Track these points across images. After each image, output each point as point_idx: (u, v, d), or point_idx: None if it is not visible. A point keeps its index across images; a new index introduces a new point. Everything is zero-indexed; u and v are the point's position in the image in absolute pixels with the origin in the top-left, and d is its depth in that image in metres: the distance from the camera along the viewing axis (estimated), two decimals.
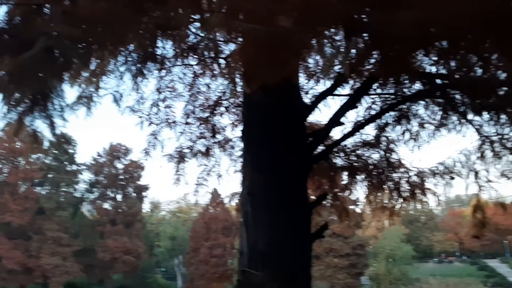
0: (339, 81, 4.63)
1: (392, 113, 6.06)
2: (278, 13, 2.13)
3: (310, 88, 6.39)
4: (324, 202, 7.21)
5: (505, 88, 3.89)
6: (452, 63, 3.88)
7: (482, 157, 5.76)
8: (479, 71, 4.12)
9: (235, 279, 5.05)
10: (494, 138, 5.52)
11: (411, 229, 70.03)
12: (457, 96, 5.05)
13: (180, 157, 7.60)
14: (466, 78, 3.84)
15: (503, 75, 3.89)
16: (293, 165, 4.50)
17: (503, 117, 4.73)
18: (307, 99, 6.07)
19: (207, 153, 7.53)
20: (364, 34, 2.53)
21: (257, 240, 4.42)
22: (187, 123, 7.49)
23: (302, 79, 5.97)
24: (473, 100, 4.69)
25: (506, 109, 4.30)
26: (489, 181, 5.92)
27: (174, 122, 7.51)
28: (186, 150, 7.58)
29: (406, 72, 4.21)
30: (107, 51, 3.47)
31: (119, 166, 55.18)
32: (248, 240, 4.50)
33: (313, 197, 5.85)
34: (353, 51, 2.60)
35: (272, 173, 4.41)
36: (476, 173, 5.94)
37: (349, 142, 6.61)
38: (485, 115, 5.10)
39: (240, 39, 2.71)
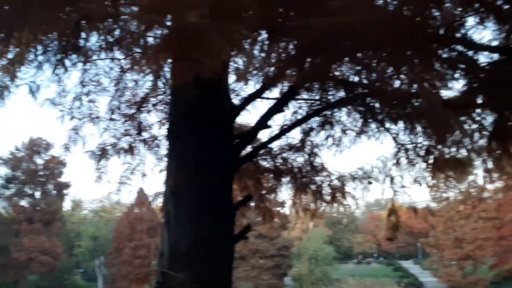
0: (267, 84, 4.69)
1: (317, 118, 6.24)
2: (197, 10, 2.10)
3: (240, 89, 6.45)
4: (250, 204, 7.30)
5: (420, 100, 4.13)
6: (373, 73, 4.07)
7: (397, 163, 6.10)
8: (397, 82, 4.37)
9: (154, 280, 4.95)
10: (409, 146, 5.87)
11: (334, 231, 72.61)
12: (377, 105, 5.31)
13: (103, 154, 7.33)
14: (384, 88, 4.05)
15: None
16: (219, 166, 4.49)
17: (417, 127, 5.04)
18: (237, 101, 6.10)
19: (131, 151, 7.32)
20: (287, 39, 2.58)
21: (178, 241, 4.35)
22: (111, 119, 7.24)
23: (233, 80, 6.00)
24: (390, 109, 4.96)
25: (419, 120, 4.58)
26: (403, 186, 6.31)
27: (97, 117, 7.24)
28: (109, 147, 7.33)
29: (327, 80, 4.36)
30: (24, 39, 3.27)
31: (39, 161, 52.25)
32: (170, 241, 4.42)
33: (240, 198, 5.88)
34: (279, 55, 2.66)
35: (196, 173, 4.37)
36: (392, 178, 6.30)
37: (276, 145, 6.74)
38: (401, 124, 5.42)
39: (161, 34, 2.66)
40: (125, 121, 7.30)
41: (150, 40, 2.76)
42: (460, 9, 3.62)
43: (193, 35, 2.16)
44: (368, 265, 71.37)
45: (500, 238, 44.85)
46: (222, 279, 4.42)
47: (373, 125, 6.03)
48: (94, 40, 5.03)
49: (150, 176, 7.69)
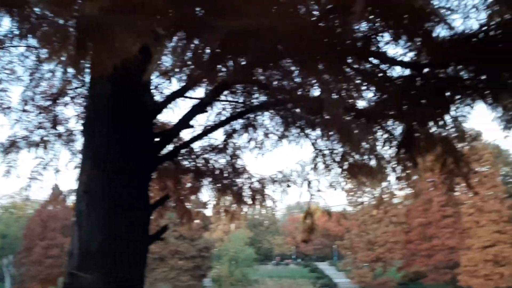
0: (189, 83, 4.66)
1: (240, 120, 6.30)
2: (100, 2, 2.03)
3: (164, 87, 6.33)
4: (169, 204, 7.19)
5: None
6: (292, 80, 4.20)
7: (315, 168, 6.32)
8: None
9: (61, 281, 4.71)
10: (326, 152, 6.10)
11: (255, 233, 73.55)
12: (297, 111, 5.47)
13: (13, 147, 6.86)
14: (304, 95, 4.19)
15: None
16: (136, 164, 4.38)
17: (332, 134, 5.26)
18: (161, 98, 5.98)
19: (44, 145, 6.91)
20: (203, 40, 2.58)
21: (90, 241, 4.19)
22: (24, 111, 6.79)
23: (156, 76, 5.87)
24: (308, 116, 5.13)
25: (330, 127, 4.77)
26: (319, 190, 6.56)
27: (9, 108, 6.77)
28: (21, 140, 6.87)
29: (245, 83, 4.41)
30: None
31: None
32: (80, 240, 4.24)
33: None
34: (195, 55, 2.65)
35: (112, 170, 4.23)
36: (309, 182, 6.53)
37: (198, 145, 6.71)
38: (319, 131, 5.64)
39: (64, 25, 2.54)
40: (39, 113, 6.89)
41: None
42: (376, 24, 3.82)
43: (97, 28, 2.09)
44: (286, 266, 73.04)
45: (408, 242, 47.96)
46: (134, 280, 4.31)
47: (294, 130, 6.20)
48: (7, 26, 4.70)
49: (64, 172, 7.32)
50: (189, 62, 2.71)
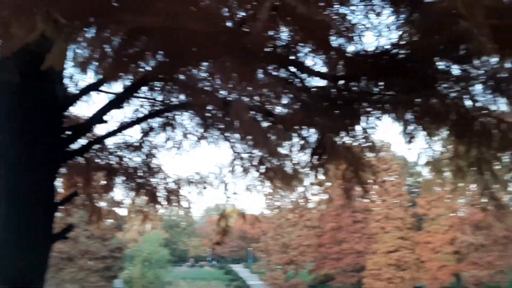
0: (103, 77, 4.46)
1: (158, 119, 6.16)
2: None
3: (79, 78, 6.02)
4: (81, 202, 6.84)
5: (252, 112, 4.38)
6: (212, 83, 4.19)
7: (232, 171, 6.36)
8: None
9: None
10: (244, 155, 6.16)
11: (171, 234, 72.38)
12: (217, 113, 5.45)
13: None
14: (222, 98, 4.20)
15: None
16: (41, 157, 4.11)
17: (250, 138, 5.32)
18: (76, 90, 5.67)
19: None
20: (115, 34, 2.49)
21: None
22: None
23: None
24: (227, 119, 5.14)
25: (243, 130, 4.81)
26: (235, 193, 6.61)
27: None
28: None
29: (163, 81, 4.33)
30: None
31: None
32: None
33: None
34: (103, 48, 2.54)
35: (14, 163, 3.94)
36: (226, 185, 6.56)
37: (112, 142, 6.46)
38: (237, 134, 5.67)
39: None
40: None
41: None
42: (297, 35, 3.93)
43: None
44: (201, 268, 72.68)
45: (320, 245, 49.79)
46: (33, 280, 4.05)
47: (213, 132, 6.18)
48: None
49: None
50: (96, 55, 2.60)
